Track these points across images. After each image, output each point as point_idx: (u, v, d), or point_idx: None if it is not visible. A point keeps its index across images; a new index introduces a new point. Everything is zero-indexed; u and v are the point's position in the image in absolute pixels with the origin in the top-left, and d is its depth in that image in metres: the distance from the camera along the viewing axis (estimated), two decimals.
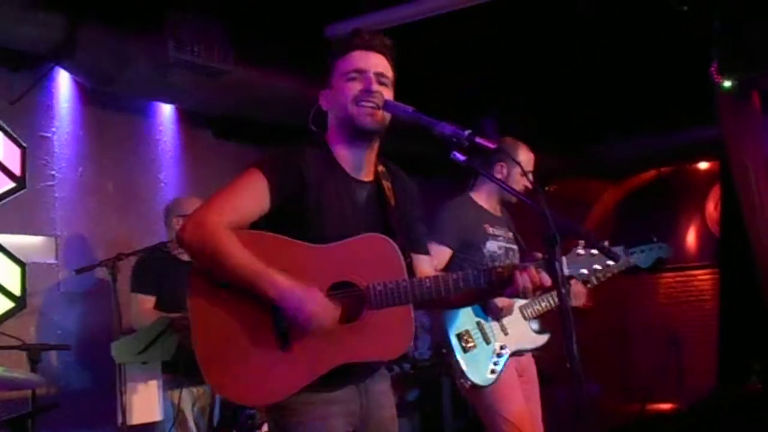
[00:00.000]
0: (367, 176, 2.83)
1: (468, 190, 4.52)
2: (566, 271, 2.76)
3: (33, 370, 4.42)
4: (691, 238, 10.01)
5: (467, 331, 4.22)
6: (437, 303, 2.91)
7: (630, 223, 9.61)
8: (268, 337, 2.55)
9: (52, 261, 5.63)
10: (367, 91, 2.74)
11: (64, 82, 5.80)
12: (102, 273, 5.25)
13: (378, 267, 2.67)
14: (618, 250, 2.90)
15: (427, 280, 2.71)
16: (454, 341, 4.19)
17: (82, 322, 5.69)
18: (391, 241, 2.72)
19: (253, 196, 2.62)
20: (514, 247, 4.45)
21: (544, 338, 4.42)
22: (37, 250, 5.54)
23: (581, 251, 2.80)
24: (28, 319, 5.34)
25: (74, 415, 5.33)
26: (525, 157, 4.39)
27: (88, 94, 5.90)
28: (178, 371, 4.62)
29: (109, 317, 4.92)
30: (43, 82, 5.65)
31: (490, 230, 4.36)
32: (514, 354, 4.29)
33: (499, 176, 4.33)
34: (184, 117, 6.66)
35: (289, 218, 2.63)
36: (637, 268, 9.78)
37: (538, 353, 4.66)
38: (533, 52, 6.82)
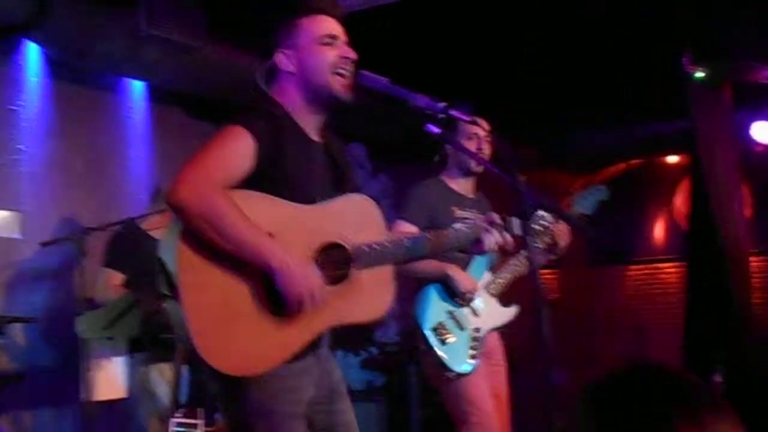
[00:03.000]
0: (318, 138, 2.80)
1: (440, 172, 4.52)
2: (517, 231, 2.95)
3: None
4: (658, 231, 10.05)
5: (441, 323, 4.19)
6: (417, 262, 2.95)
7: (598, 215, 9.65)
8: (260, 303, 2.49)
9: (17, 236, 5.54)
10: (346, 59, 2.71)
11: (33, 54, 5.69)
12: (68, 249, 5.17)
13: (362, 227, 2.68)
14: None
15: (407, 239, 2.75)
16: (430, 336, 4.15)
17: (47, 298, 5.60)
18: (373, 201, 2.74)
19: (240, 154, 2.53)
20: None
21: (513, 311, 4.39)
22: (2, 224, 5.46)
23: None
24: None
25: (38, 390, 5.26)
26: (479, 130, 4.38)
27: (57, 68, 5.79)
28: (144, 348, 4.58)
29: (75, 293, 4.85)
30: (11, 54, 5.54)
31: (458, 213, 4.34)
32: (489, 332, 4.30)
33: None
34: (156, 94, 6.57)
35: (264, 179, 2.56)
36: (603, 260, 9.81)
37: (506, 338, 4.67)
38: (505, 41, 6.82)
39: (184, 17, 5.57)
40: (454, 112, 2.77)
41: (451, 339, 4.16)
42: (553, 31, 6.67)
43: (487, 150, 4.35)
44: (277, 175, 2.58)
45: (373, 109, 6.32)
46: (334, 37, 2.73)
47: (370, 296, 2.68)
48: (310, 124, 2.76)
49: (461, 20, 6.44)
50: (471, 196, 4.49)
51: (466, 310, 4.26)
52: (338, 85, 2.70)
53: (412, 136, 2.93)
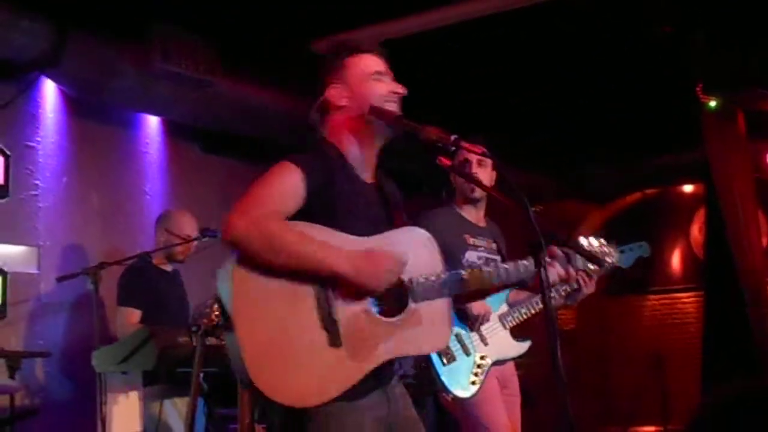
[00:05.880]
0: (370, 178, 2.83)
1: (451, 201, 4.52)
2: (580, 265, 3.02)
3: (11, 377, 4.37)
4: (675, 260, 10.01)
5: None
6: (473, 295, 2.95)
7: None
8: (317, 334, 2.48)
9: (34, 271, 5.58)
10: (396, 93, 2.79)
11: (50, 91, 5.78)
12: (83, 284, 5.19)
13: (418, 260, 2.69)
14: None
15: (465, 273, 2.76)
16: (433, 355, 4.16)
17: (63, 333, 5.64)
18: (429, 234, 2.75)
19: (290, 188, 2.58)
20: (497, 258, 4.42)
21: (525, 345, 4.36)
22: (19, 259, 5.50)
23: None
24: (9, 329, 5.30)
25: (54, 424, 5.28)
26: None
27: (74, 105, 5.88)
28: (159, 382, 4.57)
29: (91, 328, 4.87)
30: (28, 91, 5.63)
31: (471, 240, 4.35)
32: (495, 363, 4.26)
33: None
34: (171, 129, 6.65)
35: (314, 214, 2.59)
36: (621, 289, 9.74)
37: (522, 371, 4.63)
38: (521, 73, 6.86)
39: (197, 53, 5.63)
40: (465, 144, 2.76)
41: (453, 361, 4.15)
42: (570, 66, 6.69)
43: (483, 175, 4.30)
44: (327, 211, 2.61)
45: (390, 141, 6.38)
46: (382, 73, 2.81)
47: (429, 328, 2.69)
48: (363, 163, 2.79)
49: (482, 54, 6.48)
50: (482, 224, 4.49)
51: (475, 336, 4.25)
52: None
53: (427, 168, 2.95)
